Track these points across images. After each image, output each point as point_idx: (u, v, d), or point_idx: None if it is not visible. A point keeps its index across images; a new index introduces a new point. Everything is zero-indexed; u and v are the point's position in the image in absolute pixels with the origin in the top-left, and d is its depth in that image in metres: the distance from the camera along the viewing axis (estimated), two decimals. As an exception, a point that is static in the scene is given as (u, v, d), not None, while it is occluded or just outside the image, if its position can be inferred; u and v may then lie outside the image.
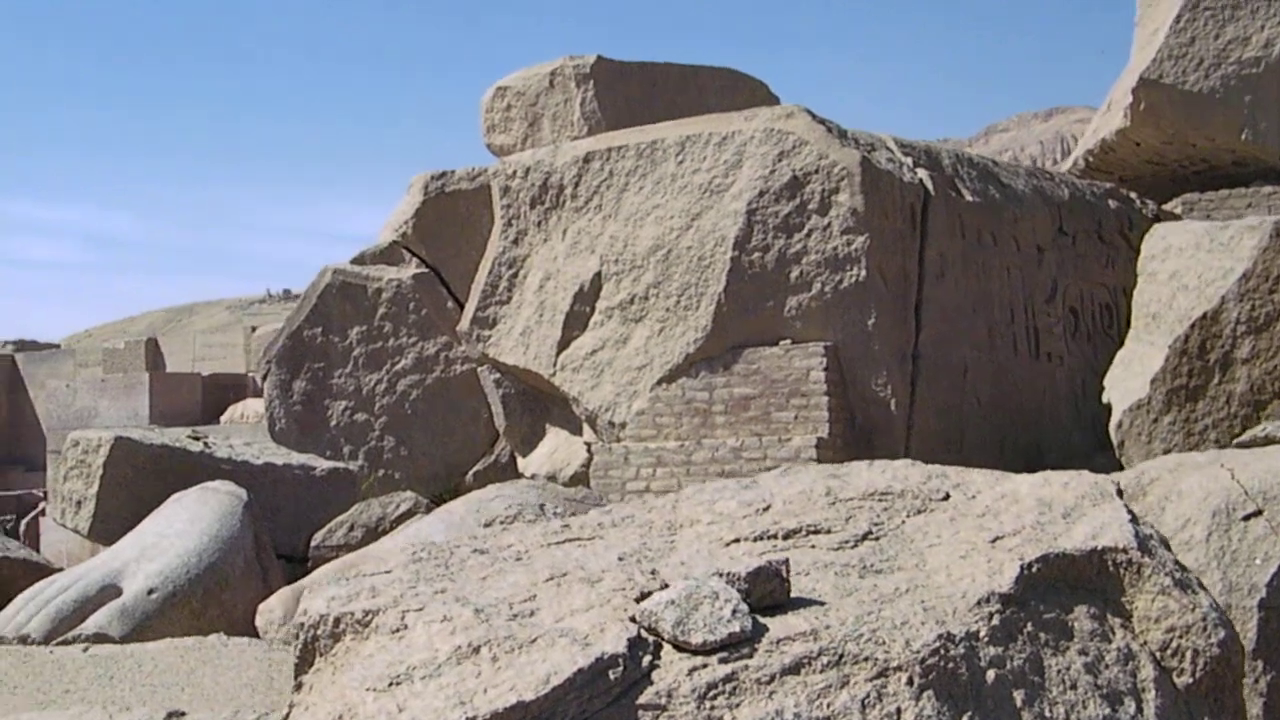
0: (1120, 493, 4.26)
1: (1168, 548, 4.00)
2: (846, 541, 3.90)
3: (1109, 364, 9.81)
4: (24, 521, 16.29)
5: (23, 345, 35.86)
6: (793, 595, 3.42)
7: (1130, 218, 14.32)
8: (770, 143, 11.83)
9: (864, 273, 11.39)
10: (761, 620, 3.25)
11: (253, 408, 23.64)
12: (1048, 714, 3.31)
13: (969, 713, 3.17)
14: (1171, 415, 8.63)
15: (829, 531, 3.98)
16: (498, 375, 13.85)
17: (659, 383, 12.04)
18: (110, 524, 10.11)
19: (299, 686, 3.45)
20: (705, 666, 3.06)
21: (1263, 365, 8.36)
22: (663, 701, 2.99)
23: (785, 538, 3.96)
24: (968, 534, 3.91)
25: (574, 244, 12.91)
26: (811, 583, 3.56)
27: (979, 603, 3.43)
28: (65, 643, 7.35)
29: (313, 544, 9.94)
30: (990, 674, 3.27)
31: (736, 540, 3.95)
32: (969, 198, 12.50)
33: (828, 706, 3.03)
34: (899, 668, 3.14)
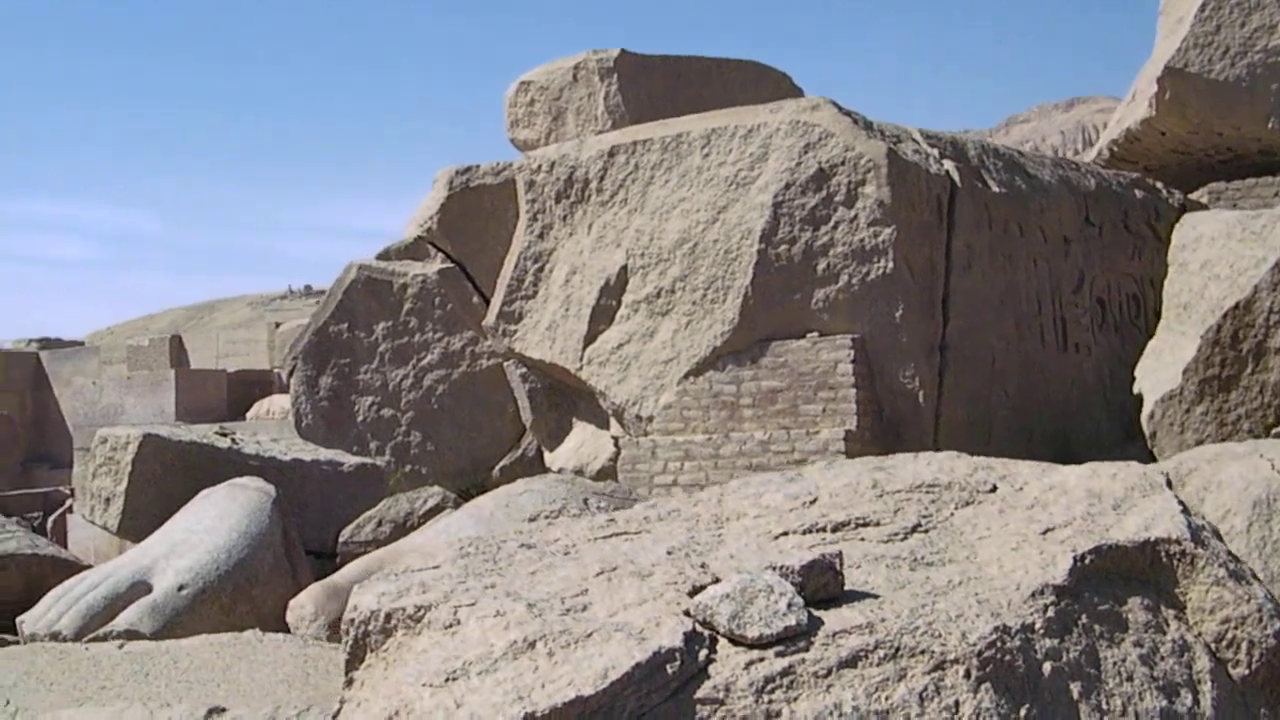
0: (1169, 484, 4.24)
1: (1220, 538, 3.97)
2: (896, 534, 3.87)
3: (1136, 354, 9.73)
4: (51, 518, 16.34)
5: (46, 343, 36.02)
6: (846, 588, 3.40)
7: (1156, 208, 14.23)
8: (796, 135, 11.78)
9: (891, 265, 11.33)
10: (816, 613, 3.23)
11: (279, 404, 23.71)
12: (1104, 706, 3.28)
13: (1026, 705, 3.15)
14: (1204, 405, 8.56)
15: (878, 524, 3.95)
16: (524, 370, 13.81)
17: (686, 376, 12.00)
18: (139, 521, 10.13)
19: (350, 683, 3.43)
20: (762, 660, 3.05)
21: (1296, 355, 8.29)
22: (720, 695, 2.97)
23: (834, 530, 3.94)
24: (1017, 526, 3.89)
25: (599, 238, 12.87)
26: (863, 575, 3.54)
27: (1033, 595, 3.41)
28: (97, 639, 7.36)
29: (340, 539, 9.94)
30: (1047, 666, 3.25)
31: (785, 533, 3.93)
32: (995, 189, 12.43)
33: (885, 700, 3.02)
34: (956, 660, 3.12)
